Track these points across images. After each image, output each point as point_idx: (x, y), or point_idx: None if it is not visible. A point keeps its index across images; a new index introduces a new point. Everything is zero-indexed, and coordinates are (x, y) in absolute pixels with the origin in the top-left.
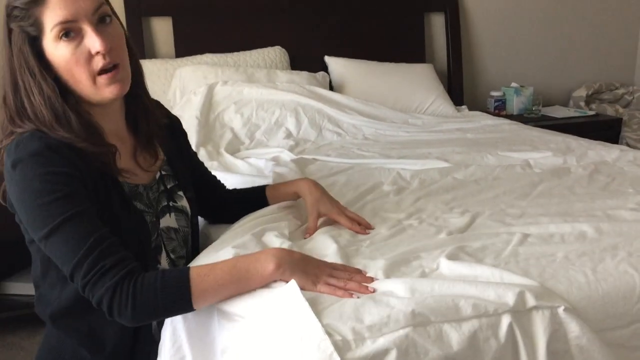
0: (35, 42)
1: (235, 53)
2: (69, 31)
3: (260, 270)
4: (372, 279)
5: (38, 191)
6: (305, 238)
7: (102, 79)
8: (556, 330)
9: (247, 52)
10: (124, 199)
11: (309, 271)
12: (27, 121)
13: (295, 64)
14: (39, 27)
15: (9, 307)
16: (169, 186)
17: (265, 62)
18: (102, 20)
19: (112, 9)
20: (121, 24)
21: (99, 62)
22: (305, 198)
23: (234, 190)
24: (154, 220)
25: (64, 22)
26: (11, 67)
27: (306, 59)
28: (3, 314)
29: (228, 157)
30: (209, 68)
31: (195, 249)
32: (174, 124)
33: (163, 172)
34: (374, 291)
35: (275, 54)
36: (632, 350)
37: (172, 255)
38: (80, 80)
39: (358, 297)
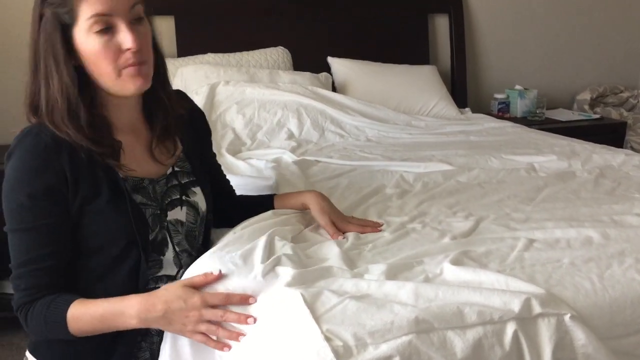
0: (65, 29)
1: (238, 53)
2: (103, 24)
3: (125, 323)
4: (248, 299)
5: (12, 189)
6: (339, 239)
7: (128, 71)
8: (562, 338)
9: (250, 52)
10: (120, 191)
11: (174, 321)
12: (34, 115)
13: (298, 65)
14: (74, 15)
15: (8, 307)
16: (183, 181)
17: (268, 63)
18: (134, 19)
19: (146, 9)
20: (151, 23)
21: (127, 59)
22: (313, 208)
23: (242, 196)
24: (158, 212)
25: (100, 15)
26: (36, 51)
27: (309, 60)
28: (2, 314)
29: (229, 158)
30: (211, 68)
31: (206, 246)
32: (199, 118)
33: (177, 169)
34: (255, 321)
35: (278, 54)
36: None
37: (177, 248)
38: (105, 73)
39: (229, 349)
